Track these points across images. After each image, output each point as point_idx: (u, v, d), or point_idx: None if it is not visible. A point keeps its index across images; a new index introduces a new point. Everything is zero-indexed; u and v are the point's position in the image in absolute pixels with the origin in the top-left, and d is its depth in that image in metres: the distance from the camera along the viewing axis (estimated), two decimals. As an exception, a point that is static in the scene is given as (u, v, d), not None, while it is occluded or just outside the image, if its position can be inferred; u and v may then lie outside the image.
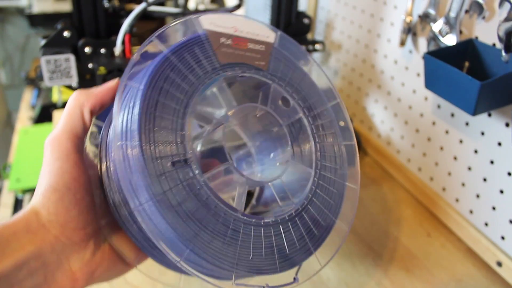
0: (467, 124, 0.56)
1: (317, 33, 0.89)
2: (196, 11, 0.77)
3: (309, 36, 0.80)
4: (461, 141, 0.57)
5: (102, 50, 0.60)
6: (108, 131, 0.32)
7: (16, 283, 0.27)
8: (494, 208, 0.54)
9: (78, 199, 0.29)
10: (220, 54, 0.33)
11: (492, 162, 0.53)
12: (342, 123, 0.39)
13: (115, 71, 0.59)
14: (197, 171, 0.29)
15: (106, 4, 0.64)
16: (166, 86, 0.30)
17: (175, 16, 0.70)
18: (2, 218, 0.72)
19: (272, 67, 0.36)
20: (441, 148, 0.61)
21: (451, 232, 0.60)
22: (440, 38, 0.55)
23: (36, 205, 0.29)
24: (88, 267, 0.30)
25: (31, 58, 1.93)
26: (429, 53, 0.51)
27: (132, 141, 0.27)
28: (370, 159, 0.76)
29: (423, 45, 0.61)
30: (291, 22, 0.71)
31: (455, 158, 0.59)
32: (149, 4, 0.60)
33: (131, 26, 0.59)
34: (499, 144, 0.52)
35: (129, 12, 0.59)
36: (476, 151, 0.55)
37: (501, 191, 0.52)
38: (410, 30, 0.61)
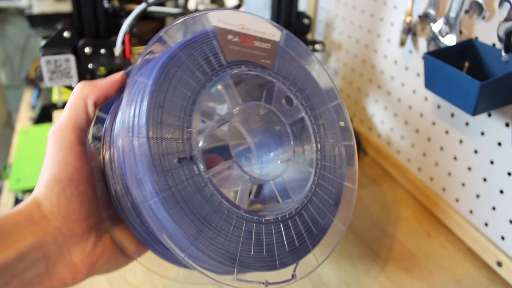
0: (467, 124, 0.56)
1: (317, 33, 0.89)
2: (196, 12, 0.77)
3: (309, 36, 0.80)
4: (461, 141, 0.57)
5: (102, 51, 0.60)
6: (113, 123, 0.32)
7: (18, 274, 0.27)
8: (494, 208, 0.54)
9: (80, 191, 0.30)
10: (227, 52, 0.33)
11: (492, 162, 0.53)
12: (342, 123, 0.40)
13: (115, 71, 0.59)
14: (202, 168, 0.29)
15: (106, 5, 0.64)
16: (174, 82, 0.30)
17: (175, 16, 0.70)
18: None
19: (277, 65, 0.36)
20: (441, 148, 0.61)
21: (451, 232, 0.60)
22: (440, 38, 0.55)
23: (39, 196, 0.29)
24: (89, 259, 0.31)
25: (31, 59, 1.93)
26: (429, 53, 0.51)
27: (139, 136, 0.28)
28: (370, 159, 0.76)
29: (423, 45, 0.61)
30: (291, 22, 0.71)
31: (455, 158, 0.59)
32: (149, 5, 0.60)
33: (131, 26, 0.59)
34: (499, 144, 0.52)
35: (129, 12, 0.59)
36: (476, 151, 0.55)
37: (501, 191, 0.52)
38: (410, 30, 0.61)
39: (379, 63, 0.72)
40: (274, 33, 0.37)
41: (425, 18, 0.58)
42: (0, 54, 1.94)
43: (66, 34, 0.59)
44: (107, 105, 0.34)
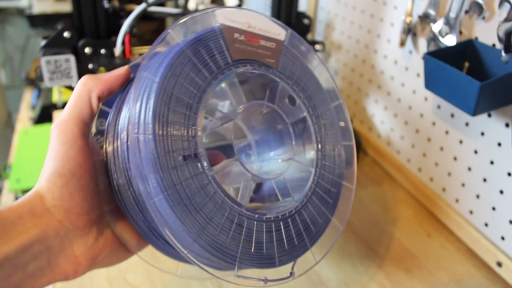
0: (467, 124, 0.56)
1: (317, 33, 0.89)
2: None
3: (309, 36, 0.80)
4: (461, 142, 0.57)
5: (102, 51, 0.60)
6: (116, 118, 0.32)
7: (20, 266, 0.27)
8: (494, 209, 0.54)
9: (83, 185, 0.30)
10: (233, 50, 0.33)
11: (492, 163, 0.53)
12: (342, 124, 0.40)
13: (115, 71, 0.59)
14: (206, 166, 0.30)
15: (106, 5, 0.64)
16: (180, 79, 0.30)
17: (175, 16, 0.70)
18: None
19: (281, 65, 0.37)
20: (441, 149, 0.61)
21: (451, 233, 0.60)
22: (440, 38, 0.55)
23: (41, 189, 0.29)
24: (90, 252, 0.31)
25: (31, 59, 1.93)
26: (429, 54, 0.51)
27: (146, 133, 0.28)
28: (370, 159, 0.76)
29: (423, 46, 0.61)
30: (291, 23, 0.71)
31: (455, 158, 0.59)
32: (149, 5, 0.60)
33: (131, 26, 0.59)
34: (499, 144, 0.52)
35: (129, 12, 0.59)
36: (476, 152, 0.55)
37: (501, 192, 0.52)
38: (410, 31, 0.61)
39: (379, 63, 0.72)
40: (279, 32, 0.37)
41: (425, 18, 0.58)
42: (0, 54, 1.94)
43: (66, 34, 0.59)
44: (110, 99, 0.34)
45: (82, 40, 0.59)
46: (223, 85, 0.34)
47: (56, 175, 0.29)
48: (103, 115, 0.34)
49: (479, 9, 0.49)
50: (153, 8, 0.65)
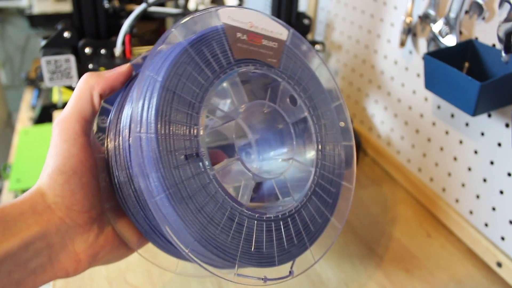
0: (467, 124, 0.56)
1: (317, 33, 0.89)
2: (192, 13, 0.77)
3: (309, 36, 0.80)
4: (461, 142, 0.57)
5: (103, 51, 0.60)
6: (118, 115, 0.32)
7: (21, 263, 0.27)
8: (494, 209, 0.54)
9: (84, 183, 0.30)
10: (235, 49, 0.33)
11: (492, 163, 0.53)
12: (342, 124, 0.40)
13: (115, 71, 0.59)
14: (208, 165, 0.30)
15: (107, 5, 0.64)
16: (183, 79, 0.30)
17: (175, 16, 0.70)
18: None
19: (283, 64, 0.37)
20: (441, 149, 0.61)
21: (451, 233, 0.60)
22: (440, 38, 0.55)
23: (43, 186, 0.29)
24: (91, 250, 0.31)
25: (31, 59, 1.93)
26: (429, 54, 0.51)
27: (148, 132, 0.28)
28: (370, 159, 0.76)
29: (423, 46, 0.61)
30: (291, 23, 0.71)
31: (455, 158, 0.59)
32: (150, 5, 0.60)
33: (132, 26, 0.59)
34: (499, 144, 0.52)
35: (129, 12, 0.59)
36: (476, 152, 0.55)
37: (501, 192, 0.52)
38: (410, 31, 0.61)
39: (379, 64, 0.72)
40: (282, 32, 0.37)
41: (425, 18, 0.58)
42: (0, 54, 1.94)
43: (66, 34, 0.59)
44: (112, 96, 0.34)
45: (82, 40, 0.59)
46: (224, 84, 0.34)
47: (58, 173, 0.29)
48: (104, 112, 0.34)
49: (479, 9, 0.49)
50: (153, 8, 0.65)
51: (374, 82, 0.74)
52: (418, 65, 0.63)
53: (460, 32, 0.53)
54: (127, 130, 0.30)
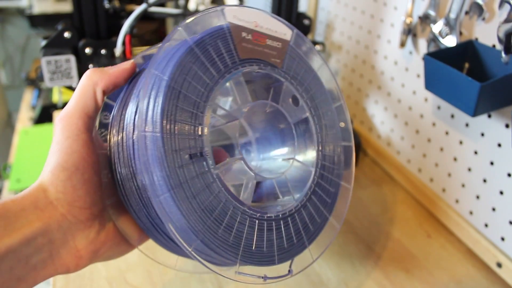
0: (467, 125, 0.56)
1: (317, 34, 0.89)
2: (197, 12, 0.77)
3: (309, 37, 0.80)
4: (461, 142, 0.57)
5: (103, 51, 0.60)
6: (122, 112, 0.32)
7: (23, 259, 0.27)
8: (494, 209, 0.54)
9: (86, 179, 0.30)
10: (240, 49, 0.33)
11: (492, 163, 0.53)
12: (342, 124, 0.40)
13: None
14: (211, 165, 0.30)
15: (107, 5, 0.64)
16: (188, 78, 0.30)
17: (176, 17, 0.70)
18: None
19: (286, 65, 0.37)
20: (441, 149, 0.61)
21: (451, 233, 0.60)
22: (440, 39, 0.55)
23: (45, 182, 0.29)
24: (92, 246, 0.31)
25: (31, 59, 1.93)
26: (429, 54, 0.51)
27: (154, 131, 0.28)
28: (370, 160, 0.76)
29: (423, 46, 0.61)
30: (291, 23, 0.71)
31: (455, 159, 0.59)
32: (150, 5, 0.60)
33: (132, 27, 0.59)
34: (499, 145, 0.52)
35: (129, 13, 0.59)
36: (476, 152, 0.55)
37: (501, 192, 0.52)
38: (410, 31, 0.62)
39: (379, 64, 0.72)
40: (286, 32, 0.37)
41: (425, 19, 0.58)
42: (0, 54, 1.94)
43: (66, 34, 0.59)
44: (115, 92, 0.34)
45: (82, 41, 0.59)
46: (227, 84, 0.34)
47: (60, 169, 0.29)
48: (107, 108, 0.34)
49: (479, 10, 0.50)
50: (154, 9, 0.65)
51: (374, 82, 0.74)
52: (418, 66, 0.63)
53: (460, 33, 0.53)
54: (131, 127, 0.30)
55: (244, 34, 0.34)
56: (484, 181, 0.55)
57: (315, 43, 0.75)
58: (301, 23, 0.72)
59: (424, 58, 0.52)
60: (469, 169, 0.57)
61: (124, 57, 0.60)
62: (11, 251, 0.26)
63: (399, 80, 0.67)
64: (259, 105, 0.37)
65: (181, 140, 0.29)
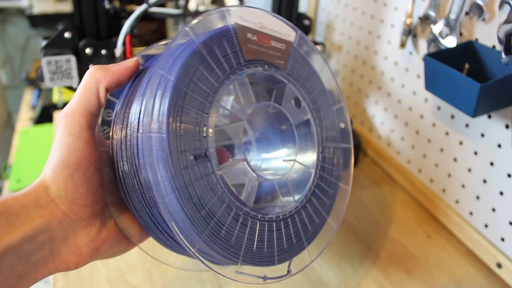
0: (467, 125, 0.56)
1: (318, 34, 0.89)
2: (197, 13, 0.77)
3: (310, 37, 0.80)
4: (461, 143, 0.57)
5: (103, 51, 0.60)
6: (125, 110, 0.32)
7: (24, 256, 0.27)
8: (494, 210, 0.54)
9: (88, 177, 0.30)
10: (245, 50, 0.34)
11: (492, 164, 0.53)
12: (342, 125, 0.41)
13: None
14: (215, 166, 0.30)
15: (107, 5, 0.64)
16: (194, 78, 0.30)
17: (176, 17, 0.70)
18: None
19: (289, 66, 0.37)
20: (441, 150, 0.61)
21: (451, 234, 0.60)
22: (440, 40, 0.55)
23: (46, 180, 0.29)
24: (93, 244, 0.31)
25: (31, 59, 1.93)
26: (429, 55, 0.51)
27: (160, 132, 0.28)
28: (370, 160, 0.76)
29: (423, 47, 0.61)
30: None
31: (455, 159, 0.59)
32: (150, 6, 0.60)
33: (132, 27, 0.59)
34: (499, 146, 0.52)
35: (130, 13, 0.59)
36: (476, 153, 0.55)
37: (501, 193, 0.52)
38: (410, 32, 0.62)
39: (379, 65, 0.72)
40: (290, 33, 0.37)
41: (425, 19, 0.58)
42: (0, 54, 1.94)
43: (67, 34, 0.59)
44: (118, 89, 0.34)
45: (83, 41, 0.59)
46: (230, 85, 0.35)
47: (62, 166, 0.29)
48: (109, 105, 0.34)
49: (479, 10, 0.50)
50: (154, 9, 0.65)
51: (375, 83, 0.74)
52: (418, 66, 0.63)
53: (460, 33, 0.53)
54: (135, 126, 0.30)
55: (249, 35, 0.34)
56: (484, 181, 0.55)
57: (315, 43, 0.75)
58: (301, 24, 0.72)
59: (424, 59, 0.52)
60: (469, 170, 0.57)
61: (125, 57, 0.60)
62: (12, 249, 0.26)
63: (399, 81, 0.67)
64: (262, 107, 0.37)
65: (186, 141, 0.29)
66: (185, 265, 0.38)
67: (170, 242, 0.33)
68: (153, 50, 0.36)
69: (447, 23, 0.54)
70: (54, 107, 1.17)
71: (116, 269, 0.50)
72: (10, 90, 2.00)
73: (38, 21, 1.63)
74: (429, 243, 0.58)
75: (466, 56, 0.52)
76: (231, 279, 0.31)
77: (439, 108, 0.60)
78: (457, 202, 0.60)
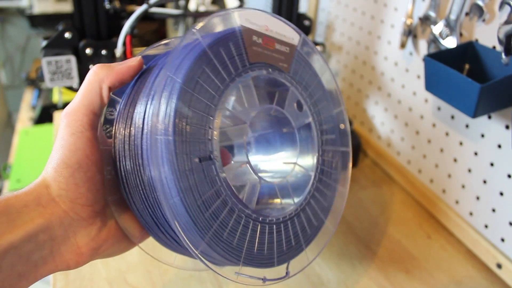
0: (467, 126, 0.56)
1: (318, 34, 0.89)
2: (197, 13, 0.77)
3: (310, 37, 0.80)
4: (461, 143, 0.57)
5: (103, 52, 0.60)
6: (129, 110, 0.32)
7: (24, 255, 0.27)
8: (494, 210, 0.54)
9: (89, 177, 0.30)
10: (250, 53, 0.34)
11: (492, 164, 0.53)
12: (342, 126, 0.41)
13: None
14: (219, 169, 0.30)
15: (107, 6, 0.64)
16: (201, 81, 0.30)
17: (176, 17, 0.70)
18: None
19: (292, 69, 0.37)
20: (441, 150, 0.61)
21: (451, 234, 0.60)
22: (441, 40, 0.55)
23: (48, 179, 0.29)
24: (93, 243, 0.31)
25: (31, 59, 1.93)
26: (430, 55, 0.51)
27: (166, 134, 0.28)
28: (370, 160, 0.76)
29: (423, 47, 0.61)
30: (292, 24, 0.71)
31: (455, 160, 0.59)
32: (150, 6, 0.60)
33: (132, 27, 0.59)
34: (499, 146, 0.52)
35: (130, 13, 0.59)
36: (476, 153, 0.55)
37: (501, 193, 0.52)
38: (410, 32, 0.62)
39: (379, 65, 0.72)
40: (294, 36, 0.37)
41: (425, 20, 0.58)
42: (0, 54, 1.94)
43: (67, 35, 0.59)
44: (121, 88, 0.34)
45: (83, 41, 0.59)
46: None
47: (63, 166, 0.29)
48: (112, 104, 0.34)
49: (480, 11, 0.50)
50: (154, 9, 0.65)
51: (375, 83, 0.74)
52: (418, 67, 0.63)
53: (461, 34, 0.53)
54: (140, 127, 0.30)
55: (255, 37, 0.34)
56: (484, 182, 0.55)
57: (315, 44, 0.75)
58: (302, 24, 0.72)
59: (425, 59, 0.52)
60: (469, 170, 0.57)
61: (125, 57, 0.60)
62: (13, 248, 0.26)
63: (399, 81, 0.67)
64: (265, 110, 0.37)
65: (192, 143, 0.29)
66: (184, 265, 0.39)
67: (170, 242, 0.33)
68: (153, 50, 0.36)
69: (447, 24, 0.54)
70: (54, 107, 1.17)
71: (116, 269, 0.50)
72: (10, 90, 2.00)
73: (38, 21, 1.63)
74: (429, 243, 0.58)
75: (466, 57, 0.52)
76: (232, 280, 0.32)
77: (439, 108, 0.60)
78: (457, 202, 0.60)
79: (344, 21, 0.80)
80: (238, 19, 0.33)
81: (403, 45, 0.63)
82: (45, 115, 1.16)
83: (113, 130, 0.33)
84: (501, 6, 0.46)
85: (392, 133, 0.71)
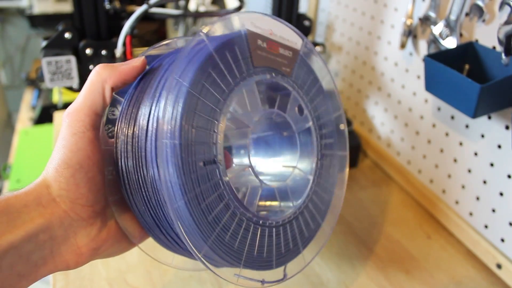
0: (467, 126, 0.56)
1: (318, 35, 0.89)
2: (197, 13, 0.77)
3: (310, 38, 0.80)
4: (461, 144, 0.57)
5: (103, 52, 0.60)
6: (132, 110, 0.32)
7: (24, 255, 0.27)
8: (494, 211, 0.54)
9: (90, 177, 0.30)
10: (255, 57, 0.34)
11: (492, 165, 0.53)
12: (342, 126, 0.41)
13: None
14: (223, 172, 0.30)
15: (107, 6, 0.64)
16: (207, 84, 0.30)
17: (176, 17, 0.70)
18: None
19: (295, 74, 0.37)
20: (441, 151, 0.61)
21: (451, 234, 0.60)
22: (441, 40, 0.55)
23: (48, 178, 0.29)
24: (93, 243, 0.31)
25: (31, 59, 1.93)
26: (430, 56, 0.51)
27: (172, 138, 0.28)
28: (370, 161, 0.76)
29: (423, 48, 0.61)
30: (292, 24, 0.71)
31: (455, 160, 0.59)
32: (151, 6, 0.60)
33: (132, 27, 0.59)
34: (499, 146, 0.52)
35: (130, 13, 0.59)
36: (476, 154, 0.55)
37: (501, 194, 0.52)
38: (410, 33, 0.62)
39: (379, 65, 0.72)
40: (297, 41, 0.38)
41: (425, 20, 0.58)
42: (0, 54, 1.94)
43: (67, 35, 0.59)
44: (123, 88, 0.34)
45: (83, 41, 0.60)
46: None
47: (64, 166, 0.29)
48: (114, 104, 0.34)
49: (480, 11, 0.50)
50: (154, 9, 0.65)
51: (375, 83, 0.74)
52: (418, 67, 0.63)
53: (461, 34, 0.53)
54: (144, 129, 0.30)
55: (259, 41, 0.34)
56: (484, 182, 0.55)
57: (315, 44, 0.75)
58: (302, 24, 0.72)
59: (424, 60, 0.52)
60: (469, 171, 0.57)
61: (125, 58, 0.60)
62: (13, 248, 0.26)
63: (399, 81, 0.67)
64: (267, 114, 0.37)
65: (197, 147, 0.29)
66: (184, 265, 0.39)
67: (170, 243, 0.33)
68: (155, 50, 0.36)
69: (447, 24, 0.54)
70: (54, 107, 1.17)
71: (116, 269, 0.50)
72: (10, 90, 2.00)
73: (38, 21, 1.63)
74: (429, 243, 0.58)
75: (466, 57, 0.52)
76: (231, 282, 0.32)
77: (439, 109, 0.60)
78: (457, 202, 0.60)
79: (344, 22, 0.80)
80: (243, 23, 0.33)
81: (403, 46, 0.63)
82: (45, 115, 1.16)
83: (115, 130, 0.32)
84: (501, 7, 0.46)
85: (392, 133, 0.71)
